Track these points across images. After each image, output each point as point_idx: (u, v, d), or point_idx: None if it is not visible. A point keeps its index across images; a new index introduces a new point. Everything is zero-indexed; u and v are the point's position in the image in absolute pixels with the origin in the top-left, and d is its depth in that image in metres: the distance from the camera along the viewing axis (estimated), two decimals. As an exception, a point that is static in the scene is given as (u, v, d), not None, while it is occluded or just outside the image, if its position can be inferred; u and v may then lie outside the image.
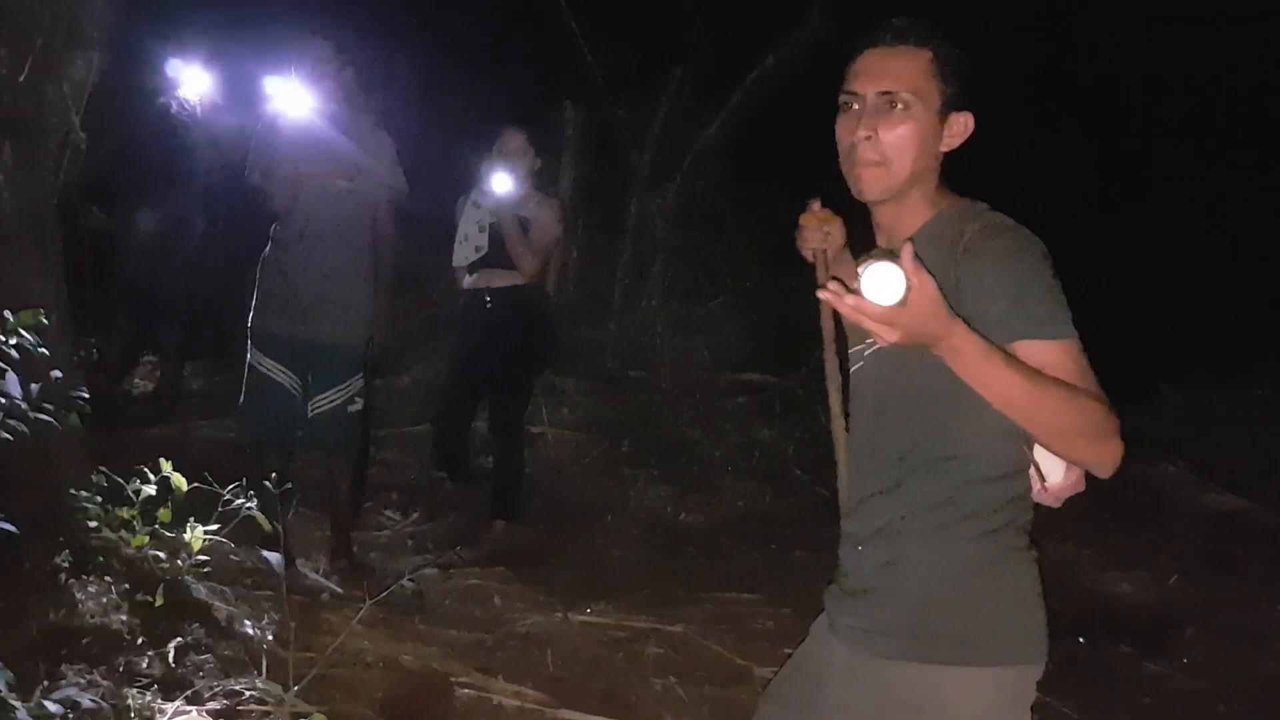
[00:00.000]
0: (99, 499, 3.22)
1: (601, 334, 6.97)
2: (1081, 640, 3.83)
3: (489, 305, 4.50)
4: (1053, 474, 1.75)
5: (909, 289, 1.42)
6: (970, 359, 1.50)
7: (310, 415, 4.00)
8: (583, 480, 5.61)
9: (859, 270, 1.45)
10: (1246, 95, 7.51)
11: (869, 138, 1.67)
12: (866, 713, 1.74)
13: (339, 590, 3.90)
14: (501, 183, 4.30)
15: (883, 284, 1.41)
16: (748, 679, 3.55)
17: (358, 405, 4.07)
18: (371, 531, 4.67)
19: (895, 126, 1.66)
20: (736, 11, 6.81)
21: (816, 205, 1.95)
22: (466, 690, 3.22)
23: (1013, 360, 1.52)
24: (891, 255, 1.45)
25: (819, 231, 1.93)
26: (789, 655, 3.80)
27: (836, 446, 1.89)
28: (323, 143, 3.93)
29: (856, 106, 1.69)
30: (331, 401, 4.01)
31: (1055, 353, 1.57)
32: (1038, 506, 1.77)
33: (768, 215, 6.85)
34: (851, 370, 1.84)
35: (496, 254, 4.45)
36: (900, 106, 1.66)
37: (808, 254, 1.98)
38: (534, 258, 4.42)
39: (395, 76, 5.90)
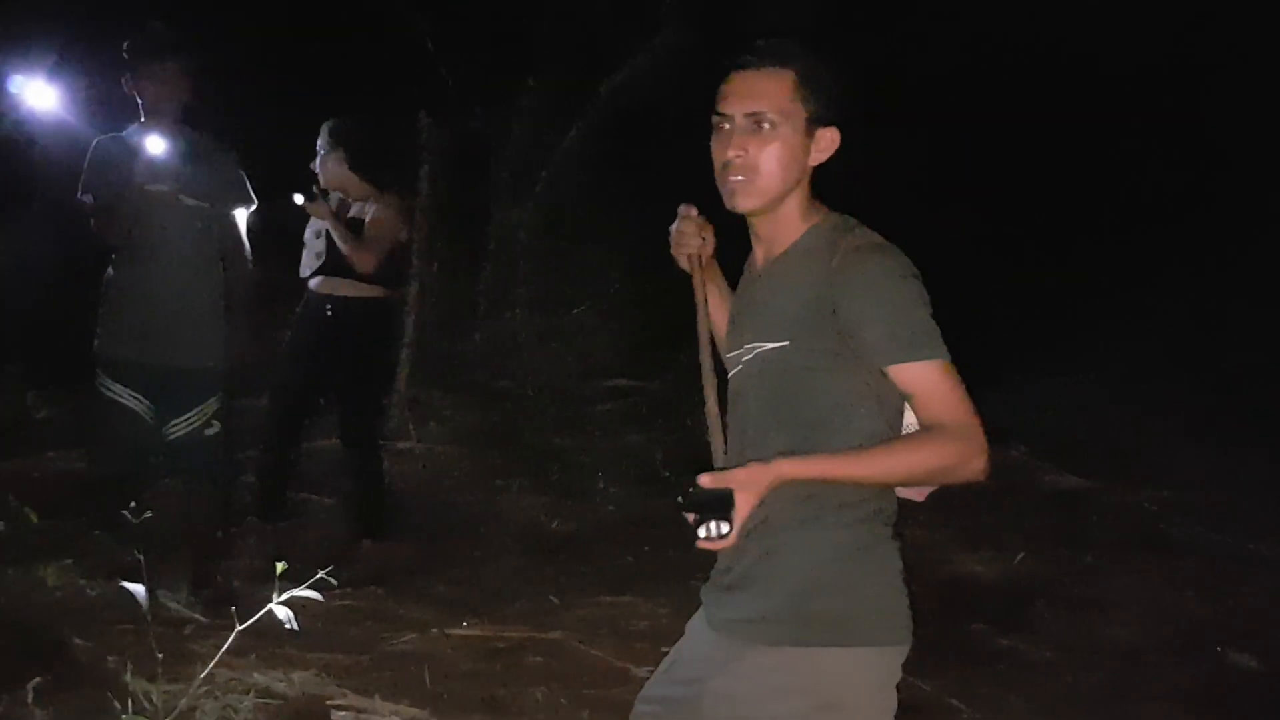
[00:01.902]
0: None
1: (468, 345, 6.93)
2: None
3: (329, 314, 4.41)
4: None
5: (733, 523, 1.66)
6: (806, 477, 1.68)
7: (166, 441, 3.86)
8: (455, 493, 5.57)
9: (684, 504, 1.72)
10: (1077, 86, 7.92)
11: (739, 156, 1.76)
12: (750, 700, 1.79)
13: (205, 619, 3.78)
14: (323, 177, 4.25)
15: (713, 531, 1.67)
16: (626, 680, 3.58)
17: (215, 428, 3.95)
18: (237, 558, 4.53)
19: (764, 145, 1.75)
20: (590, 20, 6.87)
21: (693, 211, 1.99)
22: (344, 713, 3.18)
23: (844, 457, 1.68)
24: (712, 505, 1.68)
25: (696, 237, 1.98)
26: (666, 653, 3.90)
27: (713, 448, 1.93)
28: (166, 157, 3.80)
29: (727, 127, 1.78)
30: (188, 426, 3.88)
31: (928, 373, 1.68)
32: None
33: (629, 221, 6.99)
34: (730, 374, 1.90)
35: (338, 261, 4.38)
36: (767, 126, 1.75)
37: (682, 259, 2.02)
38: (368, 254, 4.34)
39: (245, 90, 5.75)
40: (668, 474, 5.49)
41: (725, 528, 1.65)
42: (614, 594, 4.40)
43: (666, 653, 3.85)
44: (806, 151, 1.79)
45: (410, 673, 3.53)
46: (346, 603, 4.12)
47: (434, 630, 3.90)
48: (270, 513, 4.54)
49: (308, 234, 4.50)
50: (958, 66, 7.48)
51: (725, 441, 1.90)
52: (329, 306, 4.42)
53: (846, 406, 1.74)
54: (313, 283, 4.49)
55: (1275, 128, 7.42)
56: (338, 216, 4.41)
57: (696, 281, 2.01)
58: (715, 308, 2.04)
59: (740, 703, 1.81)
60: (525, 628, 3.99)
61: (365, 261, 4.33)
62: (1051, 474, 5.86)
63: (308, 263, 4.46)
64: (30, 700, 2.82)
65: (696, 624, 1.98)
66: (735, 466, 1.85)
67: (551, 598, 4.38)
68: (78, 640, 3.36)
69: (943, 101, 7.66)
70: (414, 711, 3.23)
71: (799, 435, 1.76)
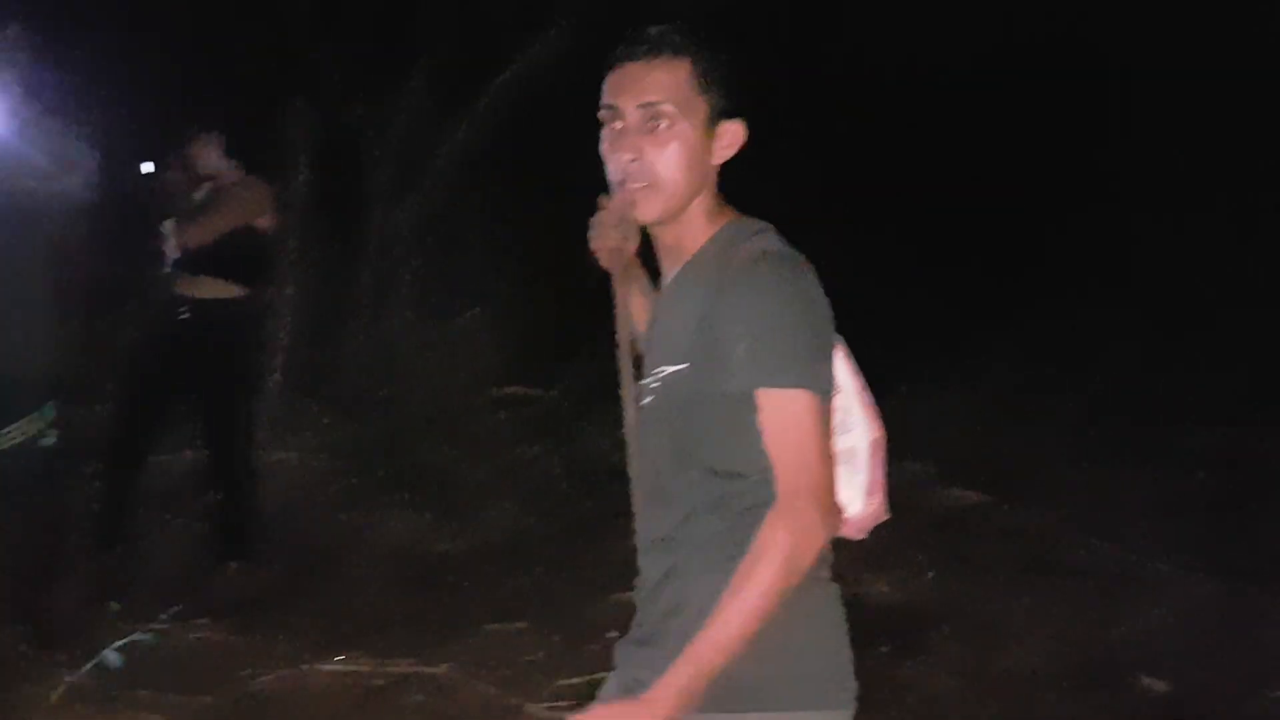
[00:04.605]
0: None
1: (345, 352, 6.57)
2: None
3: (185, 315, 4.05)
4: (851, 504, 1.66)
5: None
6: (683, 696, 1.48)
7: (-6, 453, 3.44)
8: (328, 512, 5.23)
9: None
10: (969, 93, 8.03)
11: (634, 160, 1.57)
12: None
13: (30, 654, 3.37)
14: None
15: None
16: (519, 717, 3.34)
17: (51, 438, 3.54)
18: (77, 584, 4.08)
19: (662, 145, 1.56)
20: (477, 15, 6.62)
21: (614, 202, 1.74)
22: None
23: (697, 654, 1.48)
24: None
25: (616, 231, 1.72)
26: (559, 688, 3.62)
27: (630, 472, 1.70)
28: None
29: (619, 125, 1.59)
30: (21, 435, 3.47)
31: (784, 404, 1.49)
32: None
33: (519, 222, 6.74)
34: (642, 403, 1.68)
35: (197, 259, 4.00)
36: (664, 123, 1.56)
37: (602, 256, 1.77)
38: (198, 230, 3.98)
39: (88, 72, 5.25)
40: (565, 488, 5.24)
41: None
42: (502, 622, 4.13)
43: (559, 688, 3.61)
44: (709, 149, 1.60)
45: (275, 716, 3.22)
46: (203, 635, 3.80)
47: (303, 665, 3.61)
48: (115, 533, 4.10)
49: (165, 225, 4.08)
50: (852, 73, 7.47)
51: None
52: (184, 307, 4.03)
53: (759, 446, 1.52)
54: (165, 278, 4.07)
55: (1161, 141, 7.64)
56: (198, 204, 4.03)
57: (615, 281, 1.77)
58: (638, 310, 1.80)
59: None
60: (406, 661, 3.71)
61: (192, 237, 3.94)
62: (947, 490, 5.81)
63: (159, 253, 4.05)
64: None
65: (609, 685, 1.73)
66: (646, 518, 1.65)
67: (435, 627, 4.08)
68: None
69: (844, 104, 7.64)
70: (276, 762, 2.89)
71: (705, 484, 1.56)
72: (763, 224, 1.63)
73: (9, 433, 3.47)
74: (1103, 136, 8.36)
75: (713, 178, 1.63)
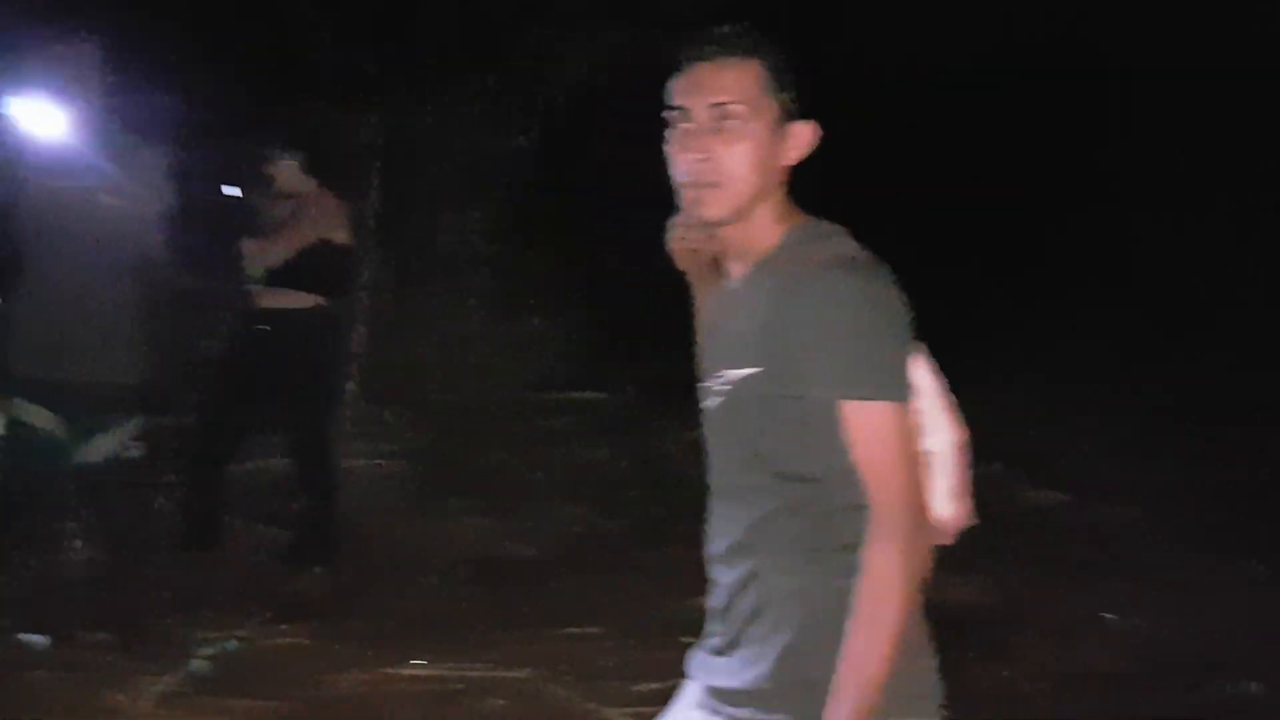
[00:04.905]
0: None
1: (416, 358, 6.61)
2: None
3: (266, 326, 4.12)
4: (940, 508, 1.61)
5: None
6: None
7: (80, 463, 3.53)
8: (402, 516, 5.25)
9: None
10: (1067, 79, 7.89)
11: (703, 160, 1.54)
12: None
13: (123, 661, 3.43)
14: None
15: None
16: (598, 724, 3.33)
17: (136, 450, 3.62)
18: (160, 590, 4.16)
19: (731, 145, 1.54)
20: (541, 20, 6.63)
21: None
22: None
23: (848, 697, 1.45)
24: None
25: (698, 234, 1.70)
26: (638, 694, 3.60)
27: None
28: (82, 153, 3.46)
29: (687, 125, 1.56)
30: (104, 447, 3.56)
31: (869, 417, 1.47)
32: None
33: (587, 225, 6.75)
34: (703, 407, 1.66)
35: (277, 273, 4.07)
36: (734, 122, 1.54)
37: (681, 258, 1.75)
38: (277, 247, 4.03)
39: (163, 84, 5.37)
40: (633, 492, 5.22)
41: None
42: (578, 626, 4.10)
43: (638, 694, 3.59)
44: (779, 150, 1.58)
45: (357, 720, 3.23)
46: (287, 640, 3.82)
47: (382, 670, 3.60)
48: (201, 541, 4.17)
49: (246, 243, 4.16)
50: (927, 61, 7.38)
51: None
52: (265, 318, 4.09)
53: (835, 452, 1.49)
54: (247, 291, 4.14)
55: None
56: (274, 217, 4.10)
57: (695, 285, 1.75)
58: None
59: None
60: (482, 665, 3.70)
61: (277, 253, 4.00)
62: (1026, 490, 5.70)
63: (241, 268, 4.12)
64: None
65: (686, 693, 1.71)
66: (718, 523, 1.62)
67: (510, 631, 4.08)
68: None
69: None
70: (361, 766, 2.91)
71: (778, 487, 1.53)
72: (835, 226, 1.60)
73: (98, 444, 3.55)
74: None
75: (781, 180, 1.60)
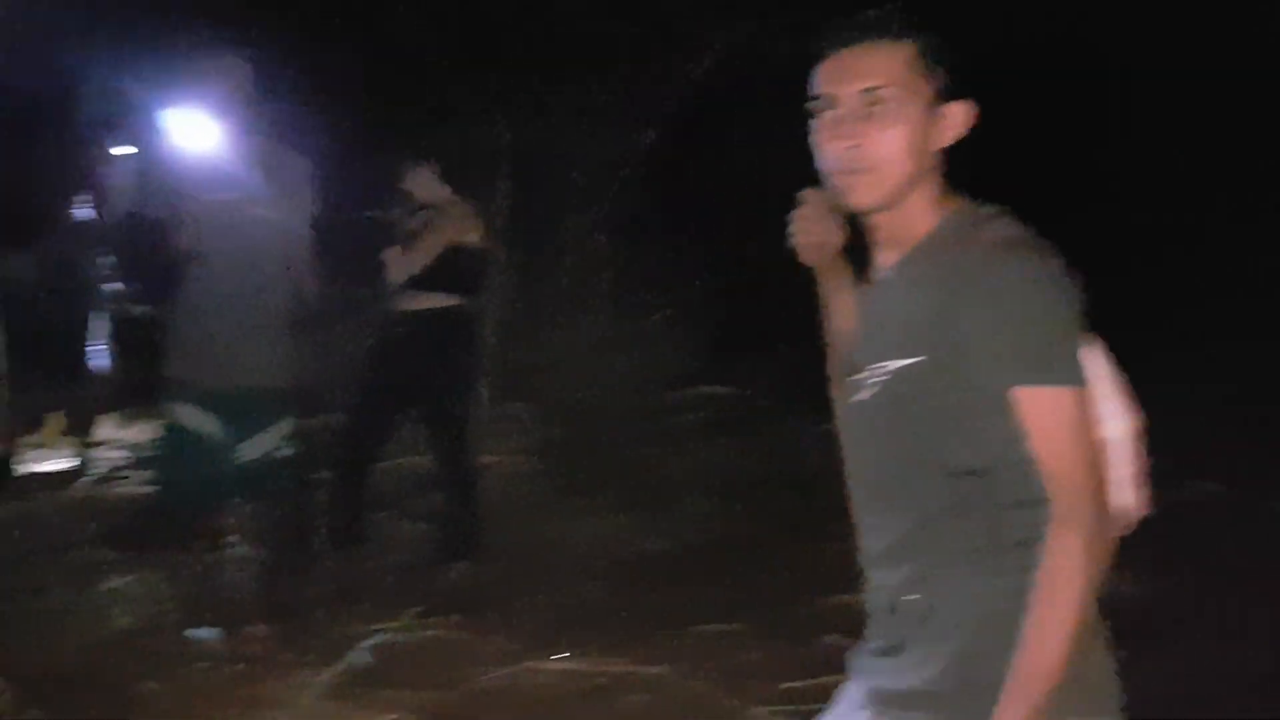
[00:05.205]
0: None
1: (544, 356, 6.69)
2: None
3: (404, 328, 4.21)
4: (1118, 495, 1.55)
5: None
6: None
7: (237, 465, 3.66)
8: (534, 512, 5.31)
9: None
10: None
11: (853, 146, 1.49)
12: None
13: (283, 654, 3.56)
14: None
15: None
16: (743, 720, 3.30)
17: (287, 451, 3.74)
18: (314, 584, 4.31)
19: (883, 129, 1.49)
20: (657, 11, 6.62)
21: (818, 195, 1.68)
22: (436, 760, 2.91)
23: (1024, 692, 1.41)
24: None
25: (822, 225, 1.66)
26: (782, 692, 3.55)
27: (848, 477, 1.64)
28: (234, 165, 3.59)
29: (834, 112, 1.51)
30: (258, 449, 3.68)
31: (1046, 403, 1.42)
32: None
33: (710, 217, 6.72)
34: (851, 403, 1.61)
35: (415, 278, 4.16)
36: (884, 105, 1.49)
37: (806, 253, 1.71)
38: (416, 255, 4.11)
39: (296, 90, 5.55)
40: (766, 487, 5.17)
41: None
42: (717, 622, 4.08)
43: (781, 691, 3.55)
44: (933, 132, 1.52)
45: (504, 713, 3.28)
46: (429, 633, 3.90)
47: (526, 663, 3.65)
48: (349, 537, 4.31)
49: (386, 252, 4.29)
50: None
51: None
52: (403, 320, 4.20)
53: (1005, 445, 1.44)
54: (387, 296, 4.27)
55: None
56: (411, 226, 4.20)
57: (821, 278, 1.71)
58: (844, 306, 1.72)
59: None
60: (623, 660, 3.71)
61: (416, 260, 4.10)
62: (1182, 481, 5.44)
63: (384, 277, 4.24)
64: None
65: (847, 694, 1.67)
66: (867, 522, 1.58)
67: (647, 626, 4.08)
68: (152, 684, 3.13)
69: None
70: (513, 759, 2.95)
71: (943, 485, 1.48)
72: (997, 208, 1.54)
73: (253, 445, 3.68)
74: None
75: (937, 163, 1.55)
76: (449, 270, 4.18)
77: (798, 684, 3.51)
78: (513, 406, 6.07)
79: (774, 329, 6.31)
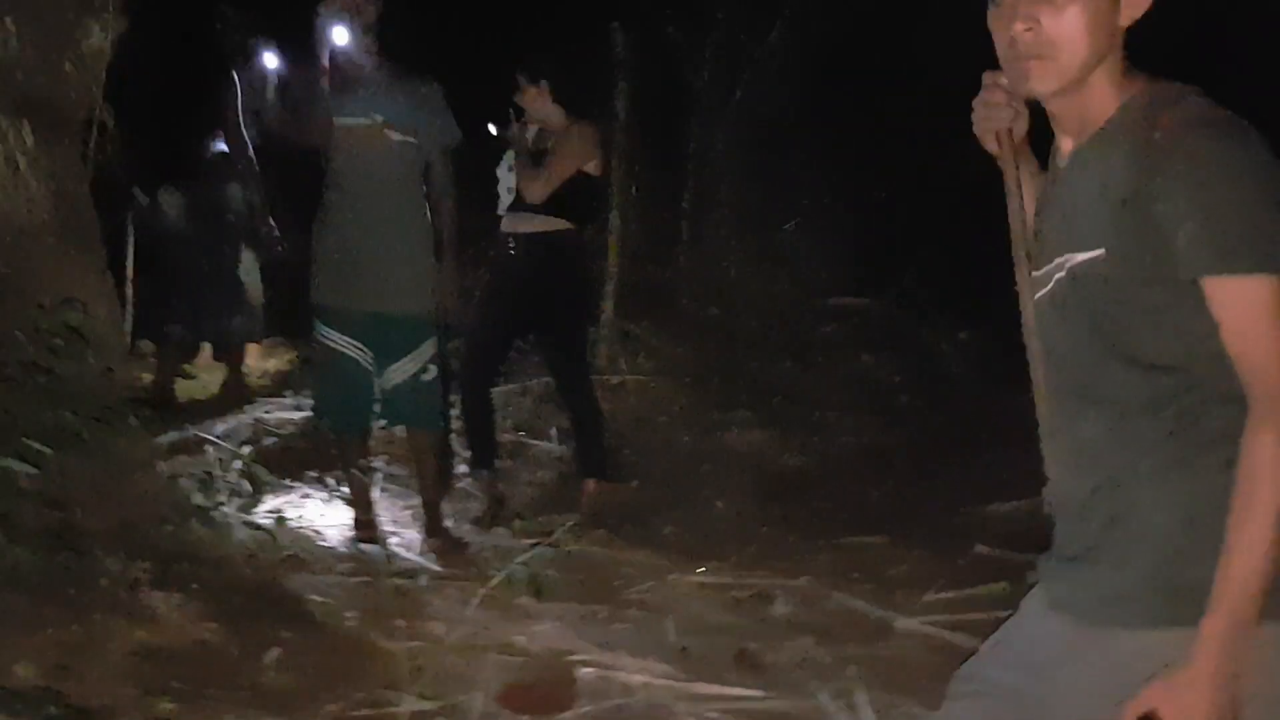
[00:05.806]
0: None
1: (672, 272, 6.62)
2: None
3: (513, 252, 4.20)
4: None
5: None
6: (1228, 648, 1.34)
7: (385, 388, 3.75)
8: (672, 429, 5.31)
9: None
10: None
11: (1030, 30, 1.41)
12: (1111, 694, 1.43)
13: (438, 569, 3.67)
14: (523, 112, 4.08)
15: None
16: (889, 634, 3.26)
17: (432, 373, 3.81)
18: (460, 502, 4.42)
19: (1061, 10, 1.40)
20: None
21: (1001, 79, 1.57)
22: (589, 670, 2.96)
23: (1227, 602, 1.34)
24: None
25: (1006, 109, 1.56)
26: (931, 603, 3.49)
27: (1035, 384, 1.55)
28: (369, 91, 3.62)
29: None
30: (405, 372, 3.76)
31: (1245, 293, 1.31)
32: None
33: (839, 125, 6.47)
34: (1037, 297, 1.53)
35: (533, 203, 4.15)
36: None
37: (989, 139, 1.61)
38: (539, 184, 4.07)
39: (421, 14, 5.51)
40: (906, 399, 5.05)
41: None
42: (861, 534, 4.03)
43: (930, 602, 3.48)
44: (1115, 9, 1.41)
45: (652, 625, 3.31)
46: (575, 548, 3.95)
47: (670, 577, 3.68)
48: (484, 458, 4.38)
49: (500, 170, 4.29)
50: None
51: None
52: (513, 244, 4.20)
53: (1202, 337, 1.35)
54: (503, 221, 4.26)
55: None
56: (530, 149, 4.17)
57: (1007, 166, 1.61)
58: (1029, 199, 1.62)
59: (1099, 697, 1.45)
60: (767, 573, 3.71)
61: (535, 191, 4.08)
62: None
63: (503, 200, 4.25)
64: (274, 667, 2.70)
65: (1033, 601, 1.61)
66: (1055, 423, 1.51)
67: (790, 539, 4.06)
68: (314, 596, 3.27)
69: None
70: (663, 668, 2.99)
71: (1137, 381, 1.40)
72: (1187, 87, 1.41)
73: (399, 368, 3.75)
74: None
75: (1119, 42, 1.44)
76: (567, 196, 4.15)
77: (948, 595, 3.45)
78: (643, 326, 6.03)
79: (900, 240, 6.12)
